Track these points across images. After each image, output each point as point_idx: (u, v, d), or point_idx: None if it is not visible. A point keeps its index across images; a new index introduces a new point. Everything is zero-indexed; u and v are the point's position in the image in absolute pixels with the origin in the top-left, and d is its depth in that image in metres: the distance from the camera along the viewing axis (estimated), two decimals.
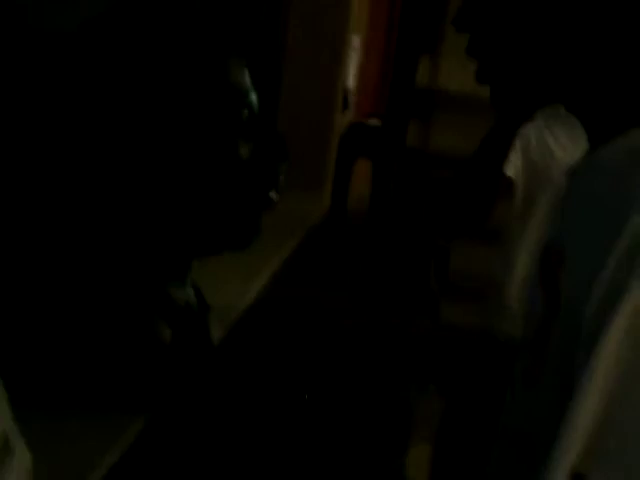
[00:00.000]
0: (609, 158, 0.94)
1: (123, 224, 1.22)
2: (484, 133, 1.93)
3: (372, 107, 3.15)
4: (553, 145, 2.02)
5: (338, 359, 1.94)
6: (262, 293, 1.82)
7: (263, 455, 1.36)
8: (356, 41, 2.65)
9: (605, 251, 0.84)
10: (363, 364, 2.02)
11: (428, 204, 2.75)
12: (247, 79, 1.25)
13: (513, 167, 2.41)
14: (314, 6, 2.42)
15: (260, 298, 1.80)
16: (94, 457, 1.11)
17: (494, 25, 0.99)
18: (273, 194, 1.31)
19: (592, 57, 0.95)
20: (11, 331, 1.18)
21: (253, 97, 1.25)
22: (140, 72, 1.21)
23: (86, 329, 1.22)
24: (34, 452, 0.93)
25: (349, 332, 2.15)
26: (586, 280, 0.85)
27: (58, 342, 1.21)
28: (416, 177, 2.74)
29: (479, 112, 1.65)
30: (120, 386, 1.21)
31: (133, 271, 1.26)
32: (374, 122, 2.77)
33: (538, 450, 0.86)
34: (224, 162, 1.24)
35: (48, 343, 1.21)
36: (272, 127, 2.08)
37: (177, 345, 1.29)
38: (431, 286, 2.81)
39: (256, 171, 1.29)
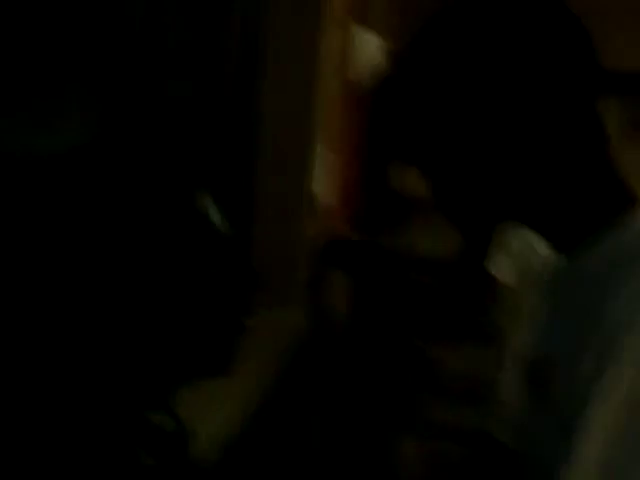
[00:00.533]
0: (590, 269, 0.98)
1: (103, 354, 1.23)
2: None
3: (346, 221, 3.19)
4: (534, 243, 2.07)
5: None
6: (250, 418, 1.73)
7: None
8: (327, 155, 2.67)
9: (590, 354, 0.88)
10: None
11: (406, 307, 2.75)
12: (214, 208, 1.32)
13: (496, 266, 2.47)
14: (282, 122, 2.42)
15: (248, 424, 1.72)
16: None
17: (443, 158, 1.04)
18: (246, 319, 1.35)
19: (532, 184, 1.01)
20: None
21: (220, 223, 1.33)
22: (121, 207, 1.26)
23: (66, 457, 1.18)
24: None
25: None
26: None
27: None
28: (394, 281, 2.75)
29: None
30: None
31: (112, 399, 1.24)
32: (350, 235, 2.86)
33: None
34: (195, 291, 1.28)
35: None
36: (244, 256, 2.14)
37: (158, 471, 1.25)
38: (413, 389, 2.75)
39: (227, 298, 1.33)
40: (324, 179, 2.74)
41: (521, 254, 2.29)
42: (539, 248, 2.26)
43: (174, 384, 1.34)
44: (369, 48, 3.13)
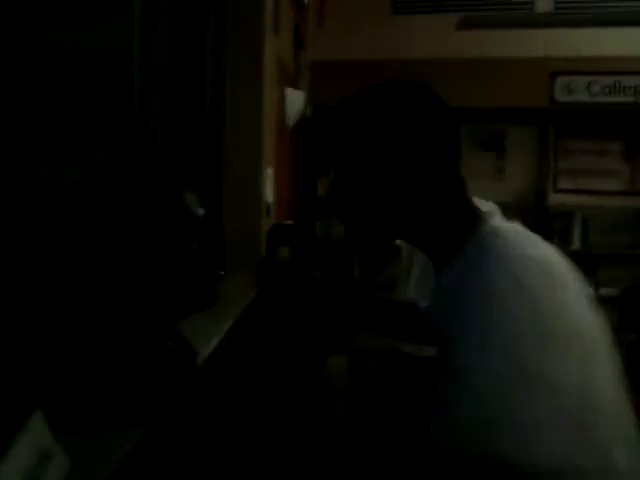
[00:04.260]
0: (446, 284, 1.12)
1: (128, 302, 1.30)
2: None
3: (286, 214, 3.76)
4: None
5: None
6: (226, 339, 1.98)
7: (256, 461, 1.32)
8: (270, 171, 3.13)
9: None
10: None
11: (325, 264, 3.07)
12: (196, 202, 1.38)
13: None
14: (241, 151, 2.92)
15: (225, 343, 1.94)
16: (100, 467, 1.14)
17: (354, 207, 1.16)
18: (221, 272, 1.47)
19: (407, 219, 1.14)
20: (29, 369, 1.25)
21: (200, 212, 1.38)
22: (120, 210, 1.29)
23: (96, 358, 1.29)
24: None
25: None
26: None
27: (70, 371, 1.28)
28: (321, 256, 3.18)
29: None
30: (122, 402, 1.28)
31: (137, 332, 1.33)
32: (289, 222, 3.49)
33: None
34: (183, 256, 1.35)
35: (61, 374, 1.27)
36: (219, 230, 2.38)
37: (170, 366, 1.37)
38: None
39: (209, 258, 1.42)
40: (270, 189, 3.13)
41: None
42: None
43: (177, 318, 1.42)
44: (296, 101, 3.55)
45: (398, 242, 1.46)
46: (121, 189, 1.31)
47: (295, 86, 3.82)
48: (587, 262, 5.56)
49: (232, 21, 2.85)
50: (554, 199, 5.75)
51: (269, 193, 3.09)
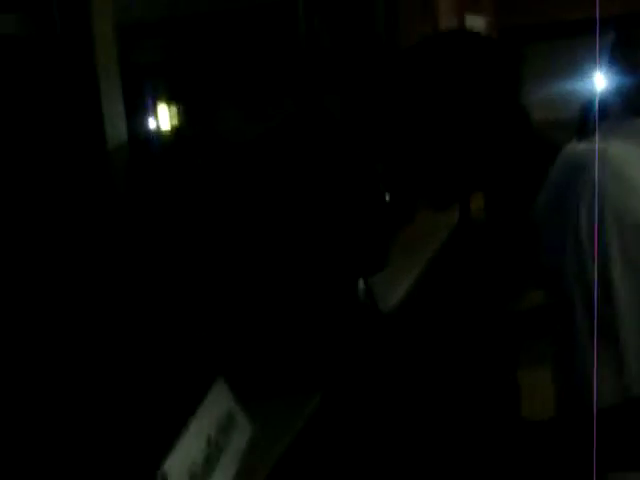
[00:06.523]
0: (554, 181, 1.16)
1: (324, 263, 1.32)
2: None
3: None
4: None
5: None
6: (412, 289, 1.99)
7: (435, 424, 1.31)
8: None
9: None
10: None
11: None
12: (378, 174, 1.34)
13: None
14: None
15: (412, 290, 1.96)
16: (281, 430, 1.16)
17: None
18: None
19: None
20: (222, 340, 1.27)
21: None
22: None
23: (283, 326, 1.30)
24: None
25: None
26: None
27: (258, 340, 1.30)
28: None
29: None
30: (303, 370, 1.28)
31: (323, 282, 1.34)
32: None
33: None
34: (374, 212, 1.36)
35: (254, 343, 1.29)
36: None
37: (360, 318, 1.38)
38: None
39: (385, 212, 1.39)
40: None
41: None
42: None
43: (360, 276, 1.43)
44: (477, 27, 3.38)
45: None
46: (303, 143, 1.30)
47: (477, 10, 3.62)
48: None
49: None
50: None
51: None
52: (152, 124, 1.36)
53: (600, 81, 1.13)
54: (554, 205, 1.09)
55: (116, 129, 1.23)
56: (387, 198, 1.39)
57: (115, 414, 1.03)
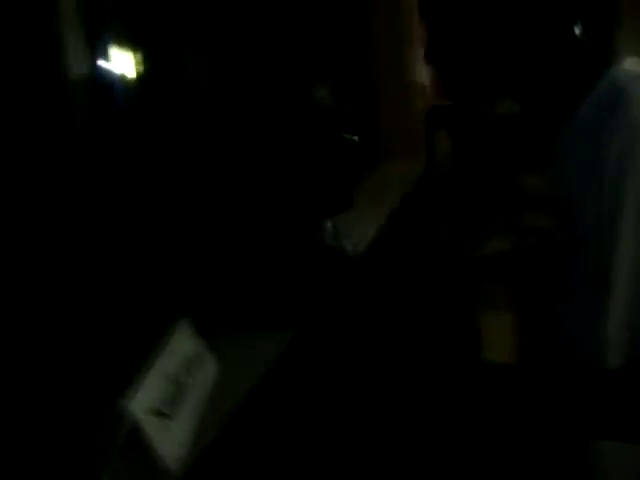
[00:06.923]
0: (587, 117, 1.02)
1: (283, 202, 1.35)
2: None
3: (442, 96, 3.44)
4: None
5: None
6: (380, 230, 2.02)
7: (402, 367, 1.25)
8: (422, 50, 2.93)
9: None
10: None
11: (494, 147, 2.79)
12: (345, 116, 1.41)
13: None
14: (388, 33, 2.85)
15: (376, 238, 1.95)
16: (249, 368, 1.16)
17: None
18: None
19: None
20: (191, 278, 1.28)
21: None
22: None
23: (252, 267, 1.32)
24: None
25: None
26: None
27: (229, 278, 1.31)
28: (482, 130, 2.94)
29: None
30: (271, 308, 1.30)
31: (288, 225, 1.37)
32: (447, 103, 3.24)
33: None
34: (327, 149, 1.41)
35: (220, 281, 1.30)
36: (372, 126, 2.71)
37: (327, 260, 1.40)
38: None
39: (351, 155, 1.45)
40: (423, 69, 2.93)
41: None
42: None
43: (326, 216, 1.47)
44: None
45: None
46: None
47: None
48: None
49: None
50: None
51: (423, 74, 2.96)
52: (115, 68, 1.29)
53: None
54: (583, 136, 0.99)
55: (78, 71, 1.18)
56: (354, 138, 1.43)
57: (77, 351, 1.02)
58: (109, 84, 1.24)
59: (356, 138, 1.47)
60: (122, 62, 1.27)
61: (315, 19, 2.08)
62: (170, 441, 0.94)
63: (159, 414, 0.95)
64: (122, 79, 1.27)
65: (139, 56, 1.29)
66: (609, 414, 0.90)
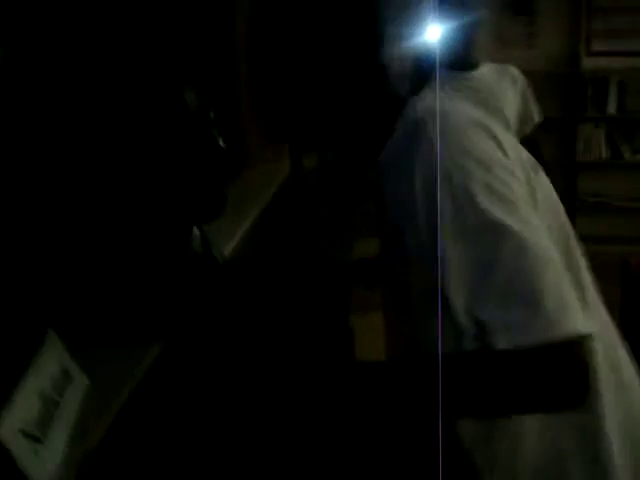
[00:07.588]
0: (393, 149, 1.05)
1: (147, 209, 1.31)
2: None
3: None
4: None
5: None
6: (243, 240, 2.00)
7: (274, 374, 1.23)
8: None
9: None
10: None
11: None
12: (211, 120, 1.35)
13: None
14: None
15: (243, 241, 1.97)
16: (120, 382, 1.13)
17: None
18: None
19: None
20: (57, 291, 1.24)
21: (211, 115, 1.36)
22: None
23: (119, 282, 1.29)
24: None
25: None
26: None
27: (94, 294, 1.28)
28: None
29: None
30: (140, 320, 1.28)
31: (154, 231, 1.34)
32: None
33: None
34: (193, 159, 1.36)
35: (85, 294, 1.27)
36: (236, 131, 2.67)
37: (196, 267, 1.38)
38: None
39: (218, 164, 1.40)
40: None
41: None
42: None
43: (195, 223, 1.45)
44: None
45: None
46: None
47: None
48: (624, 127, 5.42)
49: None
50: (588, 63, 5.47)
51: None
52: None
53: (433, 32, 1.12)
54: (394, 162, 1.02)
55: None
56: (221, 144, 1.37)
57: None
58: None
59: (222, 143, 1.45)
60: None
61: (178, 18, 2.03)
62: (41, 462, 0.91)
63: (29, 436, 0.91)
64: None
65: None
66: (467, 394, 0.95)
